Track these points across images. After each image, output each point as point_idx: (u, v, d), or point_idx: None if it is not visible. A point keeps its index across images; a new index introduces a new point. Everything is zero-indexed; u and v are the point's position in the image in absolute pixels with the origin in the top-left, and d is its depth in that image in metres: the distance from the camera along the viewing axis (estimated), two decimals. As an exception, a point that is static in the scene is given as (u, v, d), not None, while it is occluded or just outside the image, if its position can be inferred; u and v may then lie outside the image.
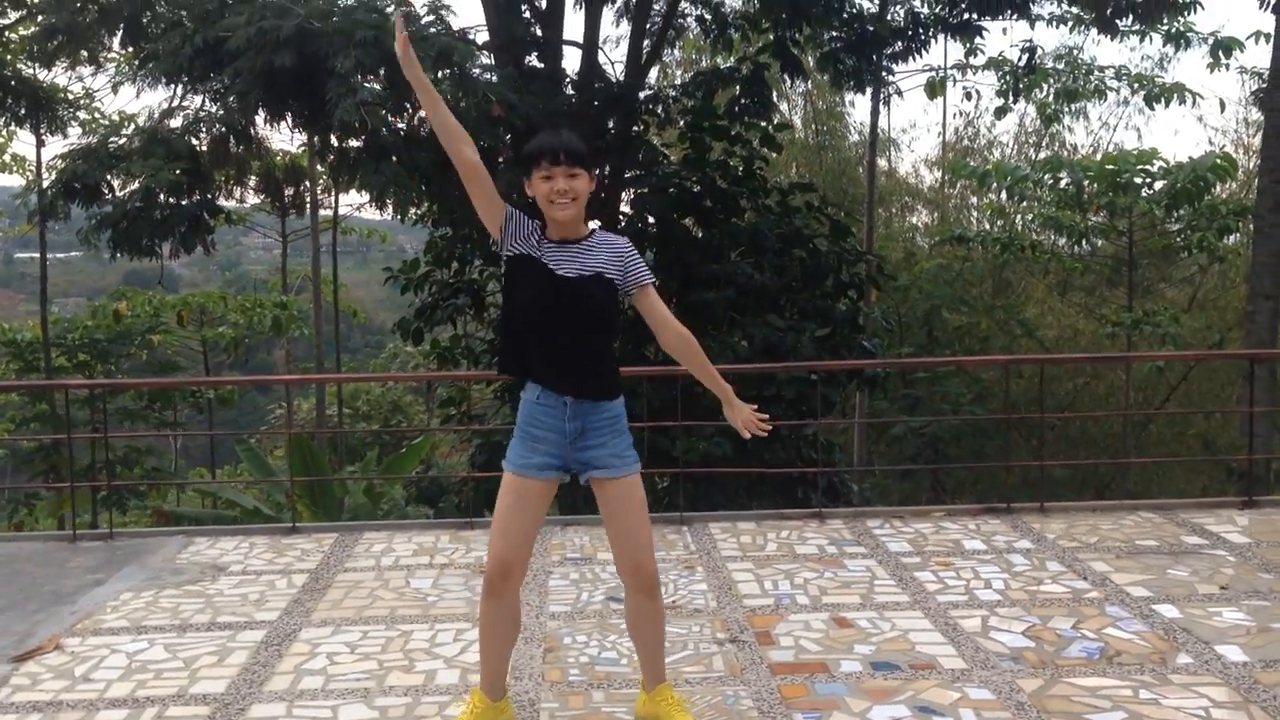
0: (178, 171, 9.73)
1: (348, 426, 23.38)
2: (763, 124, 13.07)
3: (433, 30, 9.89)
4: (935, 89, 16.11)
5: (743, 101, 12.96)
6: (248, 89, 9.41)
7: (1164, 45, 13.94)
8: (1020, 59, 13.90)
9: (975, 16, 12.82)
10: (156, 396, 18.66)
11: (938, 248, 20.46)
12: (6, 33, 15.15)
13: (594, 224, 3.78)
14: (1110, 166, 15.27)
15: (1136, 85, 16.15)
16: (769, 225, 12.15)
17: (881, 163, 22.52)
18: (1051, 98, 16.69)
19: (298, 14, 9.26)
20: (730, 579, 5.47)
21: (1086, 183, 15.66)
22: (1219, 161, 14.49)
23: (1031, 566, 5.60)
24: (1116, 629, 4.69)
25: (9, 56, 15.48)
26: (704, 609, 5.05)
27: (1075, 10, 14.28)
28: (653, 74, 15.94)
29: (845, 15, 13.14)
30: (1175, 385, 18.44)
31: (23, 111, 15.56)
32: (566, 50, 12.86)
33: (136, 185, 9.93)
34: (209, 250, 10.87)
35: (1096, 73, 16.58)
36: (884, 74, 14.51)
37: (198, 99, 10.73)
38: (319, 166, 18.84)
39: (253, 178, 18.84)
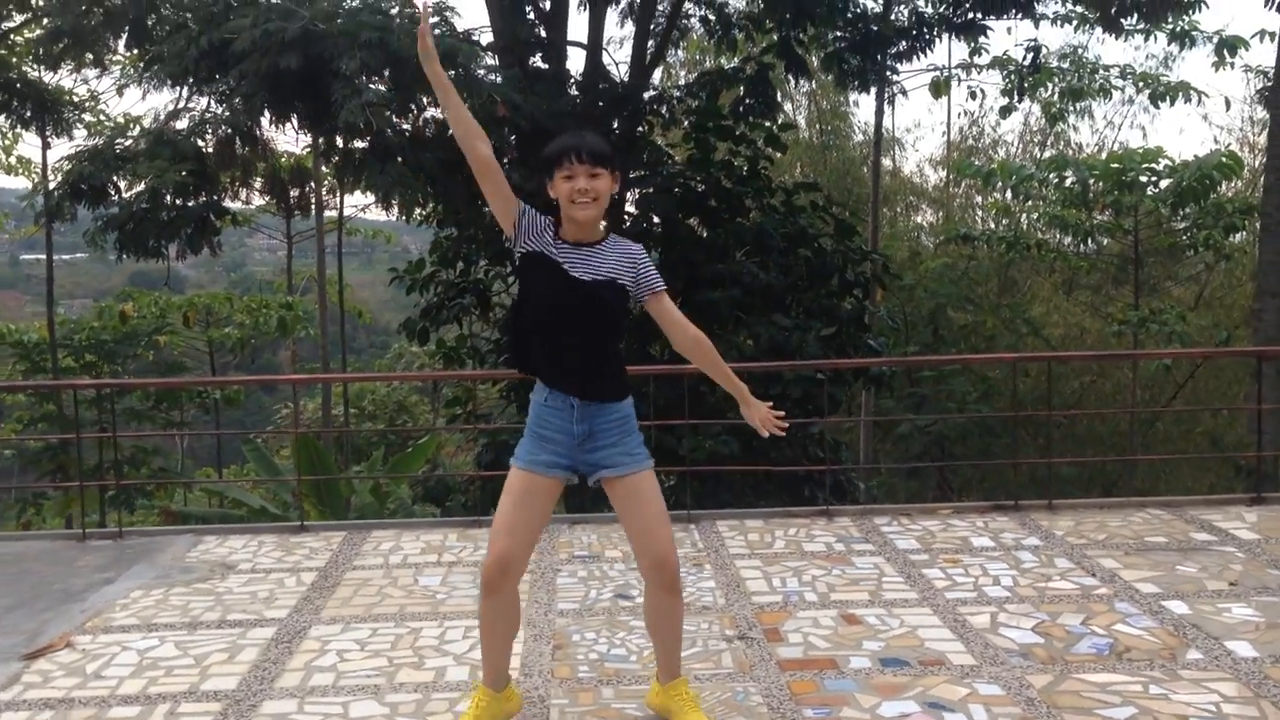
0: (184, 173, 9.76)
1: (353, 426, 23.41)
2: (767, 124, 13.08)
3: (437, 32, 9.91)
4: (940, 88, 16.12)
5: (747, 102, 12.98)
6: (253, 91, 9.44)
7: (1169, 44, 13.92)
8: (1025, 58, 13.90)
9: (980, 16, 12.82)
10: (163, 397, 18.69)
11: (943, 247, 20.45)
12: (12, 35, 15.18)
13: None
14: (1116, 165, 15.25)
15: (1141, 84, 16.14)
16: (774, 225, 12.16)
17: (886, 162, 22.53)
18: (1056, 97, 16.68)
19: (302, 16, 9.29)
20: (738, 576, 5.48)
21: (1092, 181, 15.64)
22: (1225, 160, 14.48)
23: (1040, 563, 5.60)
24: (1126, 625, 4.69)
25: (15, 59, 15.51)
26: (712, 606, 5.05)
27: (1080, 9, 14.27)
28: (657, 74, 15.97)
29: (849, 15, 13.15)
30: (1182, 383, 18.42)
31: (28, 114, 15.60)
32: (571, 51, 12.90)
33: (143, 186, 9.97)
34: (215, 251, 10.91)
35: (1101, 72, 16.57)
36: (888, 74, 14.51)
37: (203, 101, 10.77)
38: (324, 168, 18.86)
39: (258, 179, 18.85)
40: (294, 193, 20.57)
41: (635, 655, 4.45)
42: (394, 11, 9.93)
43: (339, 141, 10.59)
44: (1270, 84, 12.74)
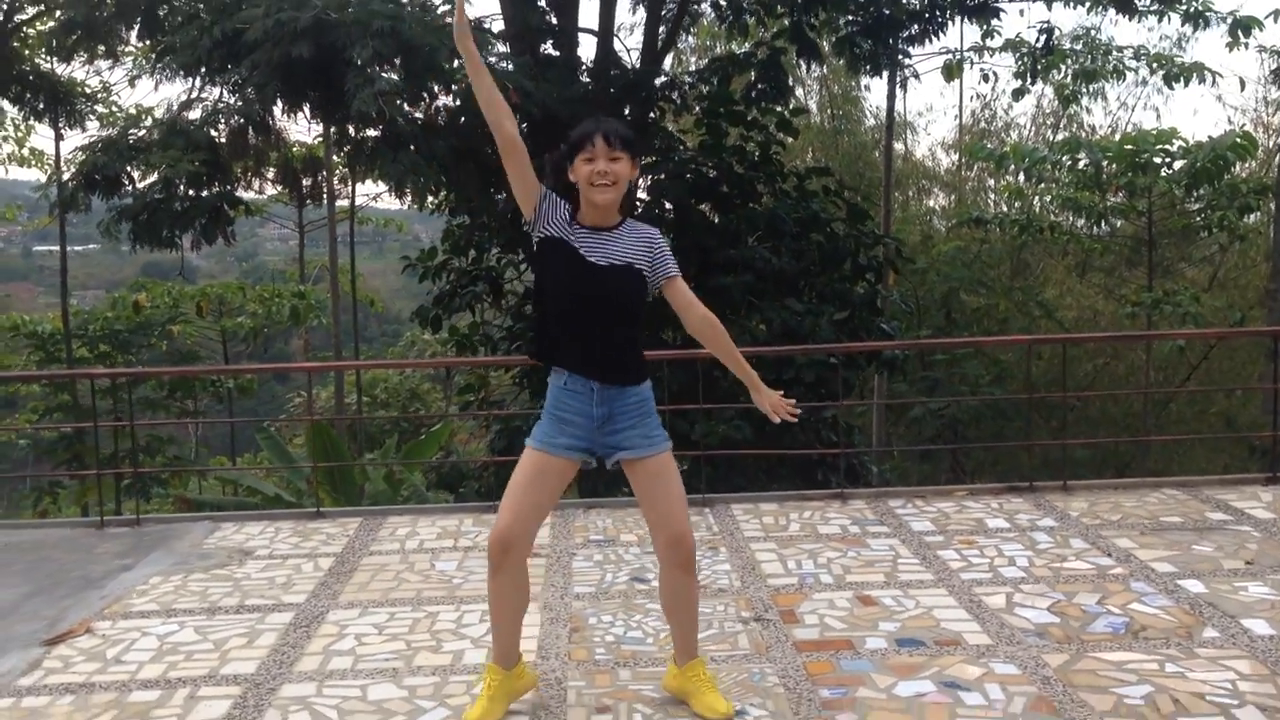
0: (197, 163, 9.78)
1: (366, 414, 23.48)
2: (779, 109, 13.04)
3: (449, 20, 9.90)
4: (952, 71, 16.02)
5: (759, 87, 12.93)
6: (265, 80, 9.44)
7: (1182, 24, 13.77)
8: (1038, 40, 13.81)
9: (992, -2, 12.74)
10: (177, 386, 18.76)
11: (955, 230, 20.41)
12: (25, 28, 15.22)
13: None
14: (1129, 147, 15.17)
15: (1155, 65, 16.00)
16: (786, 210, 12.13)
17: (898, 146, 22.48)
18: (1069, 79, 16.57)
19: (314, 5, 9.29)
20: (754, 559, 5.49)
21: (1105, 163, 15.57)
22: (1239, 140, 14.39)
23: (1055, 544, 5.60)
24: (1142, 604, 4.70)
25: (28, 51, 15.55)
26: (728, 588, 5.07)
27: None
28: (668, 61, 15.92)
29: (861, -1, 13.09)
30: (1196, 364, 18.37)
31: (41, 105, 15.65)
32: (582, 38, 12.86)
33: (156, 177, 9.99)
34: (229, 241, 10.93)
35: (1115, 53, 16.45)
36: (900, 57, 14.45)
37: (216, 91, 10.78)
38: (335, 157, 18.89)
39: (271, 169, 18.89)
40: (306, 182, 20.60)
41: (651, 638, 4.46)
42: (405, 0, 9.93)
43: (351, 130, 10.58)
44: (1284, 63, 12.65)
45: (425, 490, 13.65)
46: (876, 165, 21.61)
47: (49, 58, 15.40)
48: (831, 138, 23.26)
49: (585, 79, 12.23)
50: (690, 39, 20.86)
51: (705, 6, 14.52)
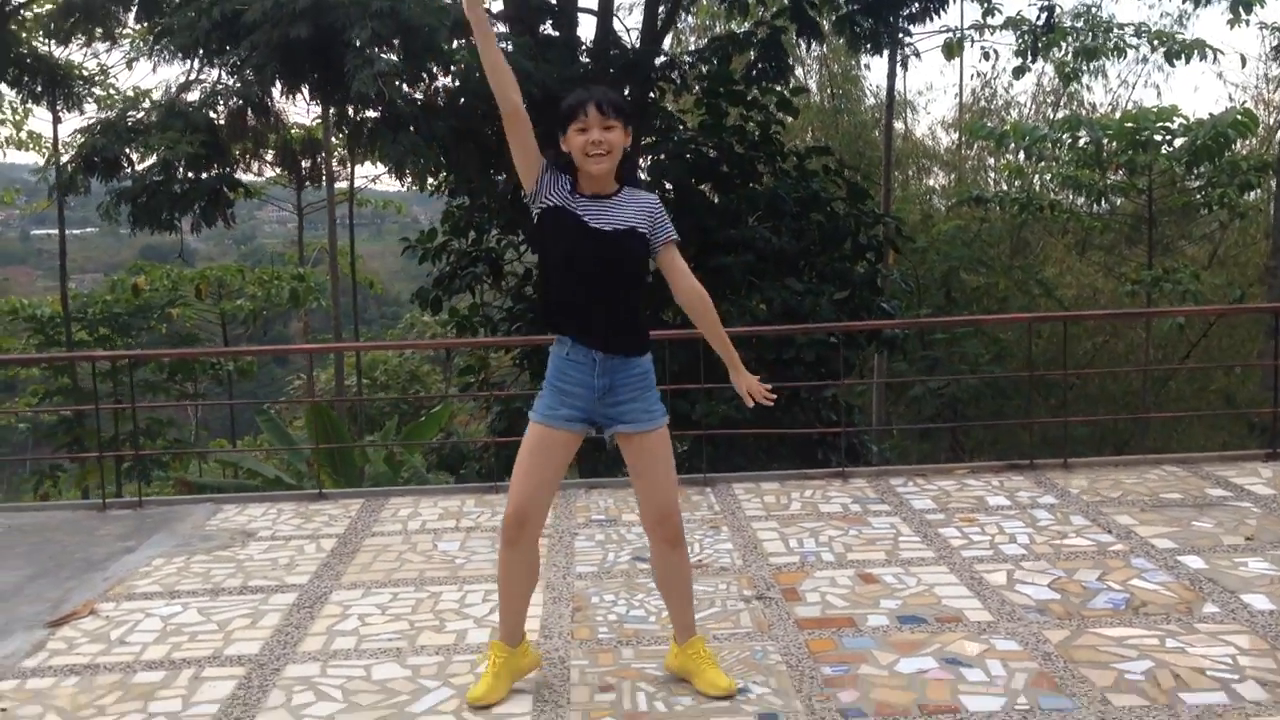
0: (196, 144, 9.75)
1: (366, 396, 23.48)
2: (779, 88, 13.00)
3: (448, 0, 9.86)
4: (953, 50, 15.97)
5: (759, 66, 12.89)
6: (264, 61, 9.41)
7: (1183, 1, 13.77)
8: (1039, 17, 13.76)
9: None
10: (177, 368, 18.74)
11: (955, 209, 20.36)
12: (23, 10, 15.16)
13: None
14: (1130, 124, 15.12)
15: (1156, 42, 15.95)
16: (786, 189, 12.11)
17: (898, 125, 22.42)
18: (1070, 56, 16.51)
19: (313, -15, 9.26)
20: (755, 538, 5.50)
21: (1106, 141, 15.52)
22: (1240, 117, 14.33)
23: (1055, 521, 5.61)
24: (1142, 580, 4.71)
25: (25, 34, 15.48)
26: (730, 567, 5.08)
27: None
28: (667, 40, 15.88)
29: (862, -24, 13.02)
30: (1195, 342, 18.37)
31: (39, 88, 15.59)
32: (581, 18, 12.81)
33: (155, 159, 9.97)
34: (229, 223, 10.92)
35: (1116, 30, 16.38)
36: (901, 36, 14.39)
37: (214, 72, 10.75)
38: (334, 138, 18.85)
39: (269, 151, 18.84)
40: (305, 164, 20.56)
41: (654, 616, 4.48)
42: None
43: (351, 112, 10.56)
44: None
45: (425, 472, 13.68)
46: (876, 144, 21.56)
47: (46, 40, 15.34)
48: (831, 117, 23.20)
49: (585, 59, 12.19)
50: (690, 18, 20.79)
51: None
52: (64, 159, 11.99)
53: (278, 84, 10.11)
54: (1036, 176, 19.73)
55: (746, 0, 13.74)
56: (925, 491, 6.28)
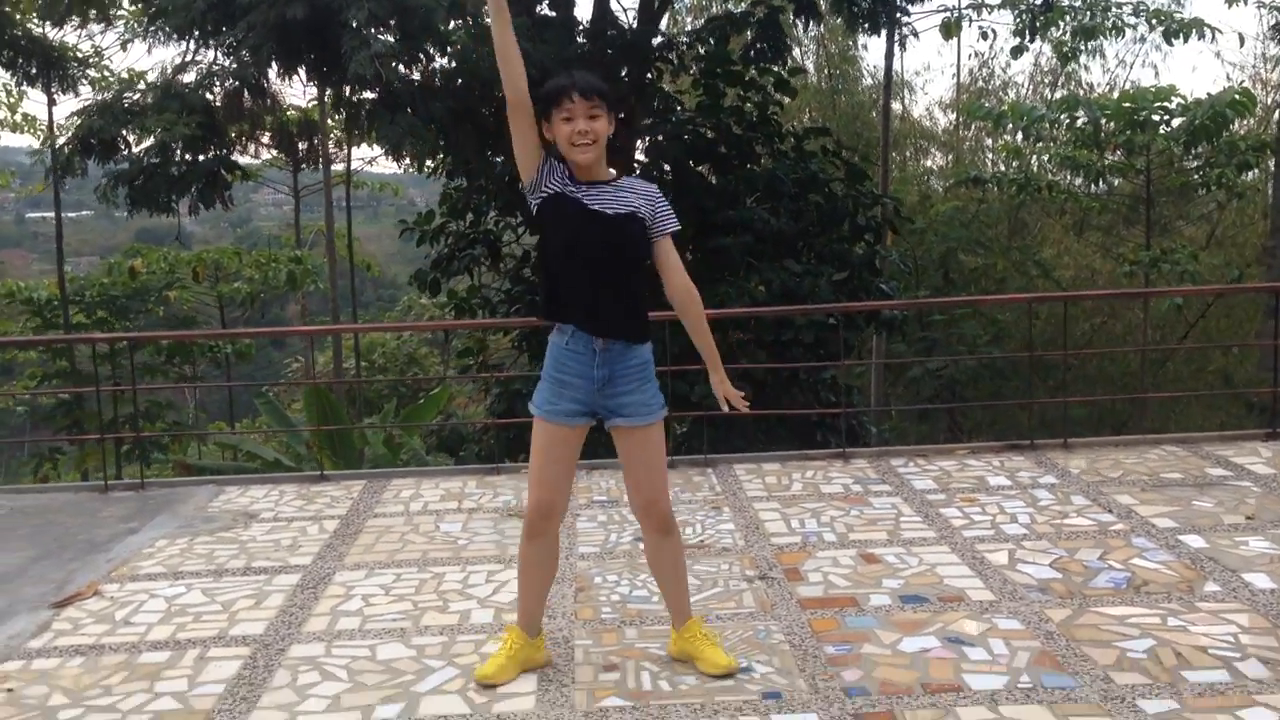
0: (193, 126, 9.73)
1: (365, 379, 23.47)
2: (776, 69, 12.97)
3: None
4: (950, 29, 15.91)
5: (757, 46, 12.86)
6: (260, 42, 9.39)
7: (1182, -21, 13.74)
8: (1037, -3, 13.73)
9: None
10: (175, 351, 18.73)
11: (953, 190, 20.34)
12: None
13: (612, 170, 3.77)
14: (1128, 104, 15.09)
15: (1154, 21, 15.90)
16: (785, 170, 12.11)
17: (895, 106, 22.36)
18: (1068, 36, 16.46)
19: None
20: (757, 518, 5.52)
21: (1103, 121, 15.49)
22: (1238, 97, 14.32)
23: (1056, 501, 5.63)
24: (1143, 559, 4.73)
25: (19, 15, 15.41)
26: (732, 548, 5.10)
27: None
28: (664, 21, 15.81)
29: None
30: (1193, 322, 18.39)
31: (34, 70, 15.53)
32: (578, -2, 12.78)
33: (152, 141, 9.95)
34: (227, 205, 10.92)
35: (1114, 9, 16.34)
36: (899, 15, 14.35)
37: (210, 53, 10.71)
38: (330, 120, 18.78)
39: (266, 133, 18.78)
40: (301, 146, 20.49)
41: (656, 596, 4.47)
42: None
43: (348, 93, 10.53)
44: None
45: (425, 454, 13.70)
46: (874, 125, 21.52)
47: (41, 22, 15.27)
48: (829, 97, 23.15)
49: (582, 39, 12.16)
50: (686, -1, 20.73)
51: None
52: (60, 141, 11.95)
53: (274, 65, 10.09)
54: (1034, 157, 19.70)
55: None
56: (926, 472, 6.29)
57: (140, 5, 12.41)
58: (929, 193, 21.62)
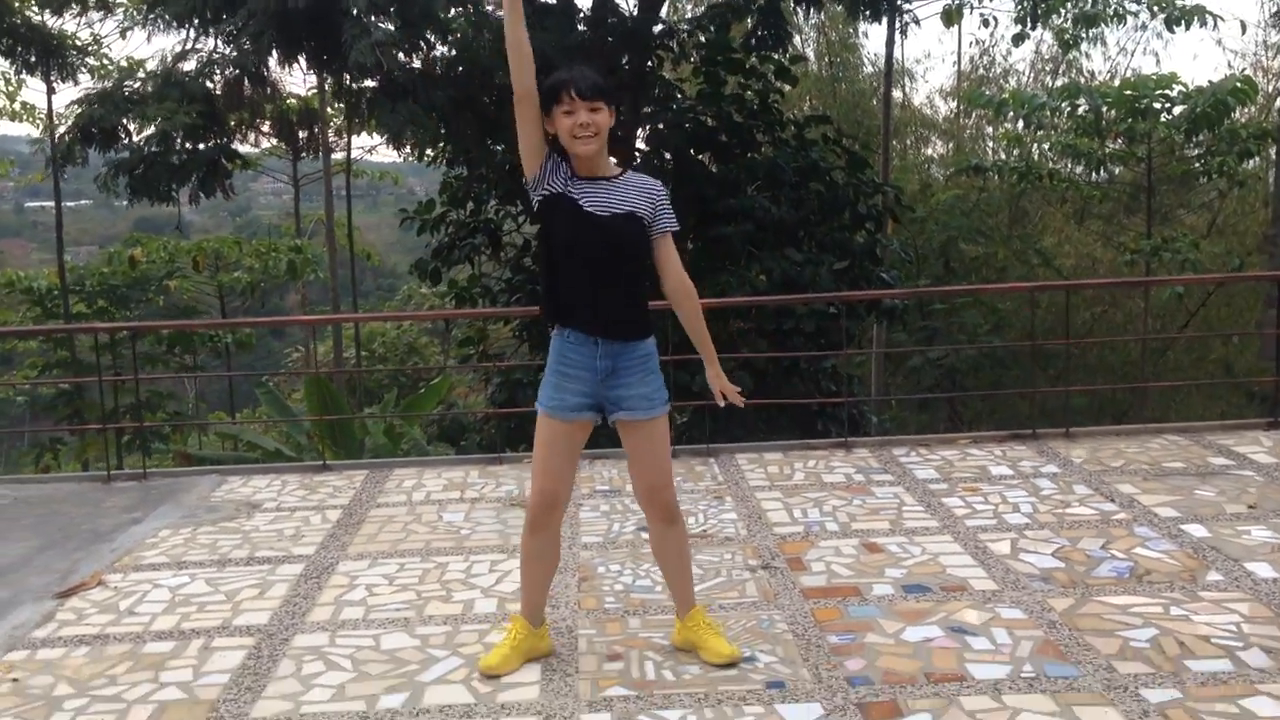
0: (193, 115, 9.71)
1: (366, 368, 23.48)
2: (777, 57, 12.94)
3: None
4: (952, 17, 15.85)
5: (758, 34, 12.82)
6: (260, 30, 9.37)
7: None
8: (1038, -17, 13.68)
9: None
10: (176, 341, 18.75)
11: (953, 178, 20.32)
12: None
13: (613, 160, 3.77)
14: (1129, 92, 15.05)
15: (1156, 8, 15.86)
16: (786, 159, 12.08)
17: (896, 94, 22.33)
18: (1069, 23, 16.42)
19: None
20: (759, 508, 5.52)
21: (1105, 109, 15.46)
22: (1239, 85, 14.27)
23: (1059, 490, 5.64)
24: (1146, 549, 4.73)
25: (18, 4, 15.37)
26: (735, 537, 5.10)
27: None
28: (665, 8, 15.76)
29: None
30: (1194, 311, 18.39)
31: (33, 59, 15.49)
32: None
33: (153, 129, 9.93)
34: (228, 194, 10.90)
35: (1115, -4, 16.29)
36: (900, 2, 14.31)
37: (210, 41, 10.69)
38: (330, 109, 18.76)
39: (266, 122, 18.75)
40: (301, 134, 20.47)
41: (660, 586, 4.49)
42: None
43: (349, 82, 10.51)
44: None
45: (425, 444, 13.70)
46: (874, 113, 21.49)
47: (40, 10, 15.23)
48: (829, 85, 23.11)
49: (582, 27, 12.12)
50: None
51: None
52: (61, 130, 11.93)
53: (274, 53, 10.07)
54: (1035, 145, 19.67)
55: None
56: (928, 461, 6.29)
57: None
58: (930, 181, 21.61)
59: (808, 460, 6.42)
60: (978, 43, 34.32)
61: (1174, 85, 14.79)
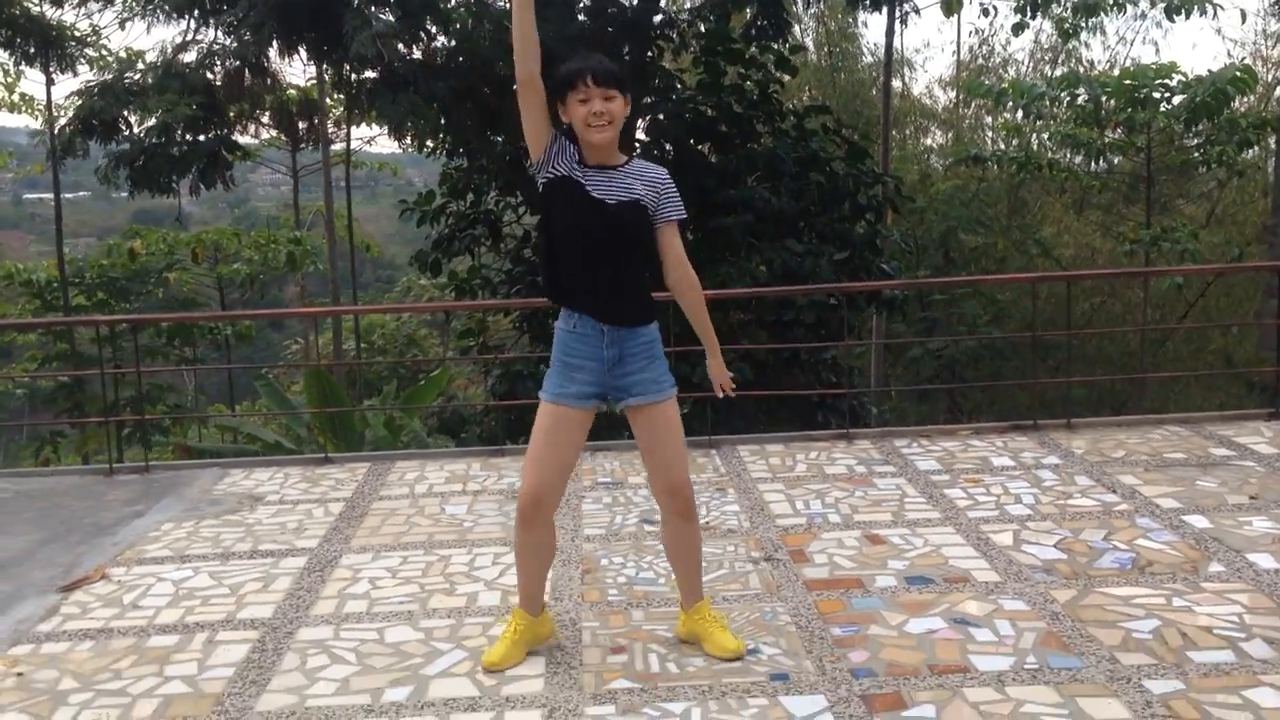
0: (194, 106, 9.70)
1: (366, 360, 23.47)
2: (777, 47, 12.92)
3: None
4: (952, 6, 15.83)
5: (758, 24, 12.81)
6: (261, 21, 9.36)
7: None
8: (1039, -29, 13.67)
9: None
10: (176, 333, 18.74)
11: (953, 169, 20.31)
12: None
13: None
14: (1128, 81, 15.04)
15: (1156, -3, 15.84)
16: (786, 149, 12.08)
17: (895, 84, 22.29)
18: (1069, 12, 16.40)
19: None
20: (762, 500, 5.53)
21: (1104, 99, 15.45)
22: (1239, 74, 14.26)
23: (1060, 481, 5.64)
24: (1147, 540, 4.74)
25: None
26: (737, 529, 5.11)
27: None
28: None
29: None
30: (1193, 302, 18.39)
31: (32, 50, 15.45)
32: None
33: (153, 121, 9.93)
34: (228, 186, 10.90)
35: (1117, -16, 16.26)
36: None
37: (210, 32, 10.67)
38: (329, 99, 18.72)
39: (265, 113, 18.72)
40: (301, 125, 20.43)
41: (663, 578, 4.50)
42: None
43: (350, 72, 10.49)
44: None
45: (426, 436, 13.70)
46: (873, 103, 21.46)
47: (39, 2, 15.19)
48: (828, 75, 23.08)
49: (582, 17, 12.11)
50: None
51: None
52: (61, 122, 11.91)
53: (275, 44, 10.05)
54: (1034, 135, 19.67)
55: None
56: (930, 452, 6.30)
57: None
58: (929, 171, 21.60)
59: (809, 452, 6.43)
60: (977, 32, 34.26)
61: (1173, 74, 14.78)
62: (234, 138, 11.68)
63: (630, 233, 3.58)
